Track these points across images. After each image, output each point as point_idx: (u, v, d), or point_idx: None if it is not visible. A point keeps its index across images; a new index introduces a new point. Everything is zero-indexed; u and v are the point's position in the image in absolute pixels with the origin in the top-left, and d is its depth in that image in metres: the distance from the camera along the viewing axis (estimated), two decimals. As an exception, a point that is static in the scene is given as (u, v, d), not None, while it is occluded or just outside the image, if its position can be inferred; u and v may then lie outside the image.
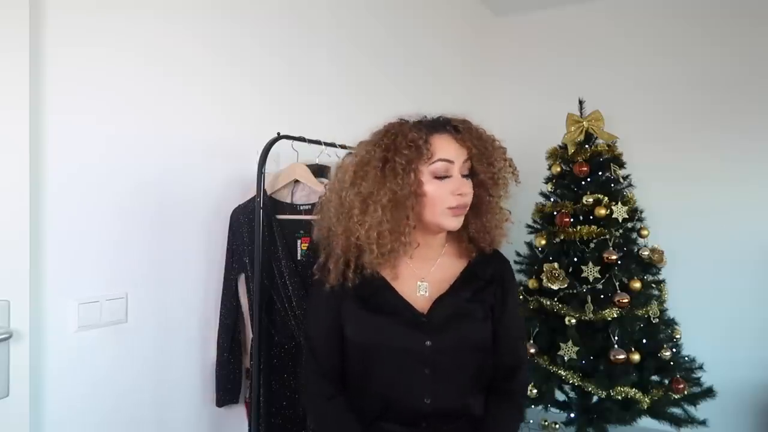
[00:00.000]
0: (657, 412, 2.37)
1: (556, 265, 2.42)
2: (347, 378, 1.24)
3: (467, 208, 1.18)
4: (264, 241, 1.71)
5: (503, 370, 1.25)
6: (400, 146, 1.13)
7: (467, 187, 1.16)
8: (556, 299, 2.43)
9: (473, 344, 1.20)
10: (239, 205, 1.80)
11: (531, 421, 2.57)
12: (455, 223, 1.17)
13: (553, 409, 2.50)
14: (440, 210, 1.15)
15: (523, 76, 3.57)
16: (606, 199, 2.44)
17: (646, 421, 2.42)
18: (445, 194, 1.14)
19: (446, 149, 1.15)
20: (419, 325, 1.17)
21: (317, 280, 1.25)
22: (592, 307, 2.33)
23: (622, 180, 2.54)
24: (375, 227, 1.13)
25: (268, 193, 1.76)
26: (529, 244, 2.68)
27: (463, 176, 1.16)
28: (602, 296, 2.37)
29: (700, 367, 2.48)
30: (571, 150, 2.54)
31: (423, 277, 1.23)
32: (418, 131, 1.15)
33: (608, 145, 2.53)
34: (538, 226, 2.65)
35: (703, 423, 2.37)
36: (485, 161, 1.18)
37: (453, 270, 1.25)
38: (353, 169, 1.16)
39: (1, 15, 1.25)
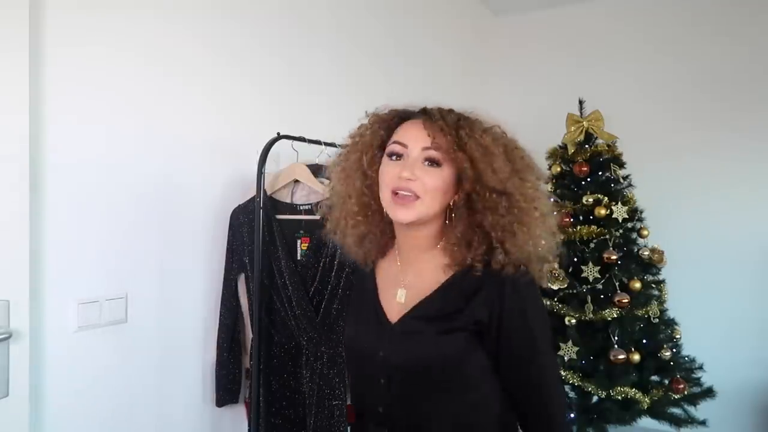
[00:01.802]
0: (657, 412, 2.37)
1: (555, 265, 2.42)
2: None
3: (415, 199, 1.03)
4: (264, 241, 1.71)
5: (529, 420, 1.10)
6: (369, 129, 1.15)
7: (415, 172, 1.03)
8: (556, 299, 2.43)
9: (422, 364, 1.06)
10: (239, 205, 1.80)
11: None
12: (400, 213, 1.04)
13: (553, 409, 2.50)
14: (386, 195, 1.06)
15: (523, 76, 3.57)
16: (606, 199, 2.44)
17: (646, 421, 2.42)
18: (389, 176, 1.06)
19: (404, 133, 1.10)
20: (379, 334, 1.12)
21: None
22: (592, 307, 2.33)
23: (622, 180, 2.53)
24: (350, 215, 1.15)
25: (268, 193, 1.76)
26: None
27: (428, 165, 1.05)
28: (602, 296, 2.37)
29: (700, 367, 2.49)
30: (571, 150, 2.54)
31: (404, 282, 1.14)
32: (392, 117, 1.16)
33: (608, 145, 2.53)
34: (538, 226, 2.65)
35: (703, 423, 2.37)
36: (484, 161, 1.05)
37: (434, 279, 1.10)
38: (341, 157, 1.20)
39: (1, 15, 1.25)
